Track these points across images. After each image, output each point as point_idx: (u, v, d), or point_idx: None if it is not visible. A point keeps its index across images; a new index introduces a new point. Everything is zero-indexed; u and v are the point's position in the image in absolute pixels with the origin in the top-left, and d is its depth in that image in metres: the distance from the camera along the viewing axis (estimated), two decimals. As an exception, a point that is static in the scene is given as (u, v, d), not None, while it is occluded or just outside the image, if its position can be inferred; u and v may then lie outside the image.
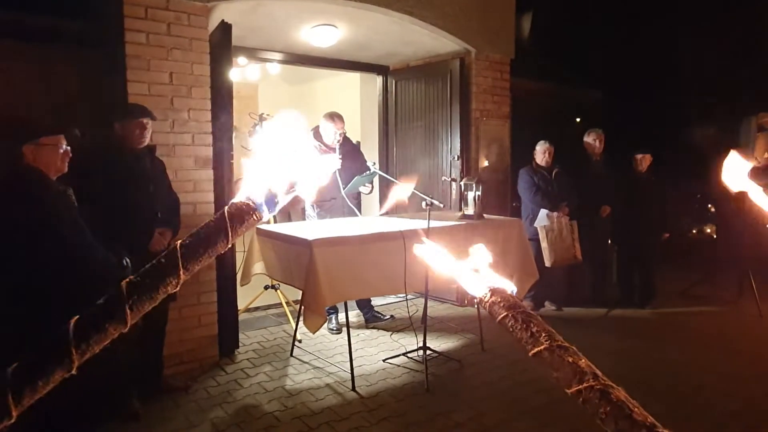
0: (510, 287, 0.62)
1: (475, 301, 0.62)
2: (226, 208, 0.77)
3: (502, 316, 0.57)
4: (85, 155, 2.94)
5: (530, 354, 0.55)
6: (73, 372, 0.63)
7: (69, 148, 2.60)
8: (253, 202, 0.77)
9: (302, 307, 3.65)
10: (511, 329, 0.57)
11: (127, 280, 0.68)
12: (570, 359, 0.51)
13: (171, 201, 3.49)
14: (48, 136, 2.52)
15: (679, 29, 8.45)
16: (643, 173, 5.44)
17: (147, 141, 3.28)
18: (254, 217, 0.77)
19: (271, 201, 0.79)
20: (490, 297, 0.59)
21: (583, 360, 0.52)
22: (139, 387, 3.29)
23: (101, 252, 2.58)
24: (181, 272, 0.71)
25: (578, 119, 8.18)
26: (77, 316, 0.65)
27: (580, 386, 0.50)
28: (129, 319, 0.66)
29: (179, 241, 0.72)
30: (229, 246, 0.79)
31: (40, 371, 0.60)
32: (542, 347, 0.52)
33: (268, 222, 4.42)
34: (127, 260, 2.73)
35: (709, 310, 5.45)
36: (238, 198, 0.78)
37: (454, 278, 0.67)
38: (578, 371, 0.50)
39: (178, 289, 0.74)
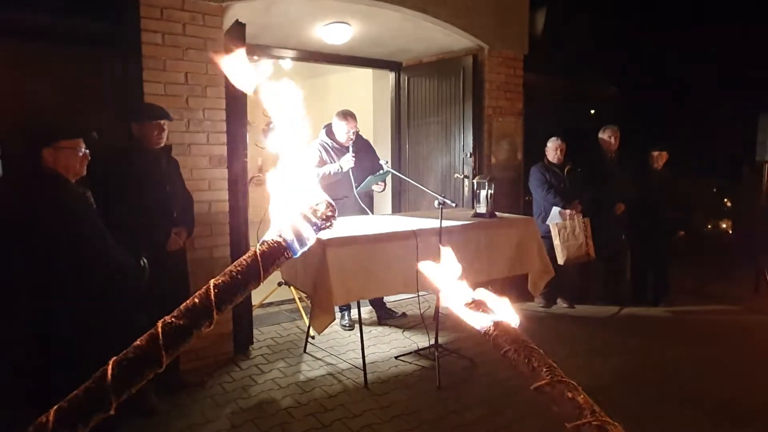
0: (514, 319, 0.64)
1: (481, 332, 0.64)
2: (258, 247, 0.76)
3: (504, 350, 0.59)
4: (105, 156, 2.99)
5: (531, 388, 0.57)
6: (112, 413, 0.65)
7: (88, 151, 2.65)
8: (285, 241, 0.76)
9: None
10: (513, 363, 0.59)
11: (162, 321, 0.69)
12: (570, 394, 0.54)
13: (185, 200, 3.55)
14: (67, 140, 2.58)
15: (695, 21, 8.33)
16: (659, 170, 5.38)
17: (164, 142, 3.33)
18: (285, 255, 0.77)
19: (301, 238, 0.78)
20: (494, 331, 0.61)
21: (582, 396, 0.54)
22: (157, 382, 3.35)
23: (121, 253, 2.64)
24: (215, 314, 0.71)
25: (591, 112, 8.11)
26: (115, 358, 0.66)
27: (578, 422, 0.52)
28: (164, 361, 0.68)
29: (212, 281, 0.72)
30: (261, 284, 0.79)
31: (80, 416, 0.62)
32: (543, 382, 0.55)
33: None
34: (145, 261, 2.78)
35: (724, 308, 5.40)
36: (269, 236, 0.77)
37: (457, 311, 0.69)
38: (577, 406, 0.53)
39: (211, 327, 0.74)
